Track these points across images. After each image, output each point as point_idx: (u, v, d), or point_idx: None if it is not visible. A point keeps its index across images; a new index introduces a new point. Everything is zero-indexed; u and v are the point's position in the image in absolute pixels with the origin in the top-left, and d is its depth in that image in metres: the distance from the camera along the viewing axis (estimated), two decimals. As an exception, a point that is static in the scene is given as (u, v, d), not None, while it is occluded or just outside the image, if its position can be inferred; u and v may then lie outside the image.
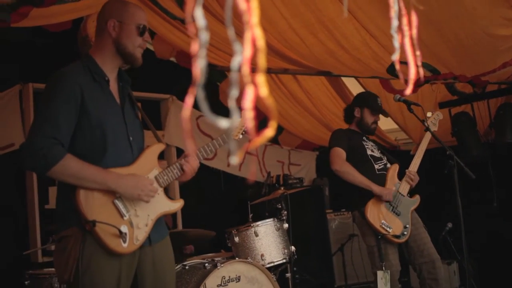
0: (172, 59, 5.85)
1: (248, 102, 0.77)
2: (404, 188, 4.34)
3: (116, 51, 2.57)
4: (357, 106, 4.60)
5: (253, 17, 0.76)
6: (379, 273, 4.03)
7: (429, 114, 4.54)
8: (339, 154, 4.37)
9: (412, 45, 1.05)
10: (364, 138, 4.55)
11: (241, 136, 3.01)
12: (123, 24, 2.55)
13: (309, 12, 4.07)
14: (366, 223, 4.22)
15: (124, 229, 2.42)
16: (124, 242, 2.41)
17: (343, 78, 6.22)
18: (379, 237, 4.13)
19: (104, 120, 2.48)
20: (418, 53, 1.08)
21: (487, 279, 6.14)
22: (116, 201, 2.46)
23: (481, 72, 5.25)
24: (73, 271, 2.32)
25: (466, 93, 6.20)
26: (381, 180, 4.31)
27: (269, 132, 0.79)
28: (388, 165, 4.48)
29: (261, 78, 0.77)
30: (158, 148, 2.70)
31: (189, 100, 0.79)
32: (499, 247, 6.36)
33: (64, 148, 2.37)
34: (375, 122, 4.57)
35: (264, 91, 0.77)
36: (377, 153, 4.50)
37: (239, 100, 0.77)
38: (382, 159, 4.49)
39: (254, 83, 0.78)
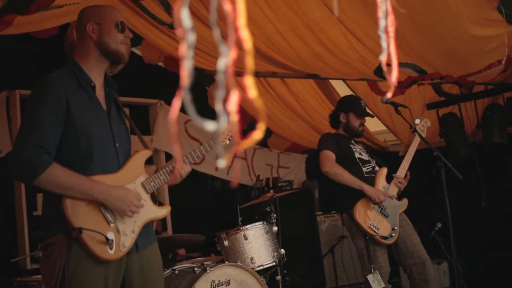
0: (160, 64, 5.85)
1: (233, 105, 0.77)
2: (392, 190, 4.37)
3: (101, 53, 2.57)
4: (342, 111, 4.61)
5: (240, 19, 0.76)
6: (369, 277, 4.08)
7: (417, 121, 4.55)
8: (329, 156, 4.39)
9: (395, 46, 1.05)
10: (352, 141, 4.58)
11: (228, 142, 3.01)
12: (102, 24, 2.57)
13: (296, 17, 4.09)
14: (355, 225, 4.24)
15: (110, 235, 2.41)
16: (111, 249, 2.40)
17: (331, 81, 6.25)
18: (367, 238, 4.17)
19: (90, 127, 2.47)
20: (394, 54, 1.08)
21: (477, 278, 6.17)
22: (103, 208, 2.45)
23: (467, 73, 5.30)
24: (60, 278, 2.32)
25: (453, 94, 6.24)
26: (369, 182, 4.34)
27: (257, 134, 0.79)
28: (377, 168, 4.51)
29: (249, 81, 0.77)
30: (145, 154, 2.70)
31: (176, 104, 0.78)
32: (488, 247, 6.40)
33: (50, 157, 2.36)
34: (362, 125, 4.59)
35: (252, 93, 0.77)
36: (365, 156, 4.53)
37: (226, 103, 0.77)
38: (371, 162, 4.51)
39: (241, 85, 0.78)
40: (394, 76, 1.05)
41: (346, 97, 4.89)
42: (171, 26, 4.71)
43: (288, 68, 5.41)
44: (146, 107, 6.17)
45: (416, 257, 4.27)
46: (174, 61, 5.57)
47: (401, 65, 4.78)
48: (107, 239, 2.38)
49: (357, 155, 4.47)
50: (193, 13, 4.34)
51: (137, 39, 5.17)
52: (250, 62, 0.77)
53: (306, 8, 3.98)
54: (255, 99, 0.77)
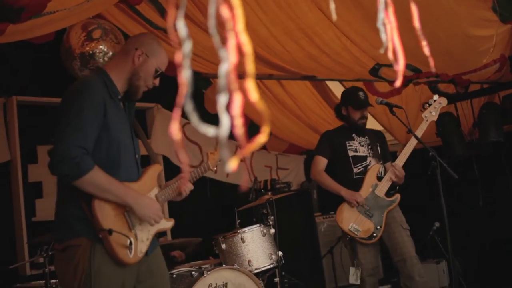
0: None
1: (237, 108, 0.77)
2: (382, 188, 4.37)
3: (129, 77, 2.69)
4: (343, 105, 4.61)
5: (238, 24, 0.77)
6: (352, 269, 4.29)
7: (431, 101, 4.51)
8: (316, 162, 4.54)
9: (400, 36, 1.03)
10: (353, 134, 4.55)
11: (215, 169, 3.29)
12: (149, 58, 2.69)
13: (289, 20, 4.11)
14: None
15: (132, 240, 2.55)
16: (130, 253, 2.53)
17: (328, 82, 6.27)
18: (348, 238, 4.34)
19: (120, 135, 2.60)
20: (424, 43, 1.08)
21: (476, 277, 6.19)
22: (126, 214, 2.58)
23: (462, 71, 5.32)
24: (83, 280, 2.40)
25: (449, 93, 6.26)
26: (358, 184, 4.39)
27: (262, 138, 0.79)
28: (371, 164, 4.49)
29: (250, 84, 0.77)
30: (158, 168, 2.87)
31: (176, 111, 0.78)
32: (486, 245, 6.42)
33: (92, 159, 2.46)
34: (363, 117, 4.52)
35: (254, 96, 0.77)
36: (363, 152, 4.50)
37: (228, 107, 0.77)
38: (366, 159, 4.49)
39: (242, 89, 0.78)
40: (401, 64, 1.04)
41: (346, 90, 4.88)
42: (166, 31, 4.72)
43: (284, 70, 5.42)
44: (143, 111, 6.17)
45: (399, 254, 4.31)
46: (171, 65, 5.57)
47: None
48: (130, 243, 2.51)
49: (351, 153, 4.47)
50: (189, 18, 4.35)
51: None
52: (250, 65, 0.77)
53: (299, 11, 3.99)
54: (257, 102, 0.78)
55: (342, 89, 6.17)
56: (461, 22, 4.35)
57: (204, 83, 6.34)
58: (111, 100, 2.60)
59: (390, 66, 4.94)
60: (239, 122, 0.77)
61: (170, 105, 6.15)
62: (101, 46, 4.39)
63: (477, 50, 4.79)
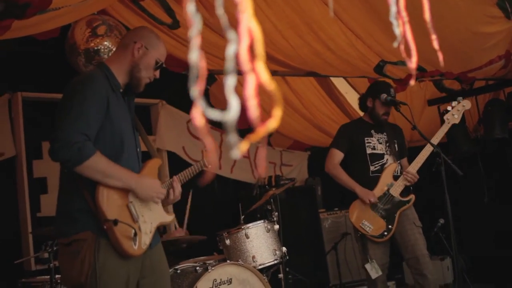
0: (161, 63, 5.85)
1: (251, 89, 0.76)
2: (397, 188, 4.35)
3: (130, 70, 2.72)
4: (370, 96, 4.53)
5: (247, 6, 0.76)
6: (367, 266, 4.28)
7: (454, 103, 4.47)
8: (333, 156, 4.50)
9: (412, 30, 1.02)
10: (372, 131, 4.51)
11: (210, 166, 3.29)
12: (149, 51, 2.73)
13: (294, 14, 4.09)
14: None
15: (136, 231, 2.56)
16: (135, 244, 2.54)
17: (332, 78, 6.25)
18: (359, 234, 4.36)
19: (122, 128, 2.63)
20: (434, 36, 1.07)
21: (480, 274, 6.18)
22: (130, 205, 2.59)
23: (468, 69, 5.29)
24: (90, 274, 2.42)
25: (454, 90, 6.24)
26: (373, 182, 4.37)
27: (273, 122, 0.78)
28: (388, 162, 4.45)
29: (260, 66, 0.76)
30: (158, 162, 2.90)
31: (198, 97, 0.76)
32: (491, 242, 6.41)
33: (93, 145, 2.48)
34: (386, 114, 4.47)
35: (265, 77, 0.76)
36: (381, 149, 4.46)
37: (236, 90, 0.75)
38: (383, 158, 4.46)
39: (254, 70, 0.76)
40: (414, 61, 1.03)
41: (377, 82, 4.80)
42: (170, 26, 4.72)
43: (288, 66, 5.41)
44: (148, 107, 6.18)
45: (411, 252, 4.31)
46: (175, 61, 5.58)
47: (400, 63, 4.79)
48: (135, 234, 2.53)
49: (369, 151, 4.44)
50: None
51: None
52: (260, 47, 0.76)
53: (304, 5, 3.97)
54: (268, 84, 0.76)
55: (347, 85, 6.17)
56: (465, 19, 4.33)
57: (209, 79, 6.33)
58: (113, 93, 2.63)
59: (394, 63, 4.92)
60: (253, 103, 0.76)
61: (174, 101, 6.16)
62: (105, 42, 4.40)
63: (482, 47, 4.77)
